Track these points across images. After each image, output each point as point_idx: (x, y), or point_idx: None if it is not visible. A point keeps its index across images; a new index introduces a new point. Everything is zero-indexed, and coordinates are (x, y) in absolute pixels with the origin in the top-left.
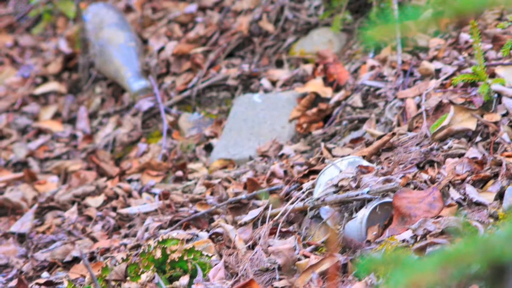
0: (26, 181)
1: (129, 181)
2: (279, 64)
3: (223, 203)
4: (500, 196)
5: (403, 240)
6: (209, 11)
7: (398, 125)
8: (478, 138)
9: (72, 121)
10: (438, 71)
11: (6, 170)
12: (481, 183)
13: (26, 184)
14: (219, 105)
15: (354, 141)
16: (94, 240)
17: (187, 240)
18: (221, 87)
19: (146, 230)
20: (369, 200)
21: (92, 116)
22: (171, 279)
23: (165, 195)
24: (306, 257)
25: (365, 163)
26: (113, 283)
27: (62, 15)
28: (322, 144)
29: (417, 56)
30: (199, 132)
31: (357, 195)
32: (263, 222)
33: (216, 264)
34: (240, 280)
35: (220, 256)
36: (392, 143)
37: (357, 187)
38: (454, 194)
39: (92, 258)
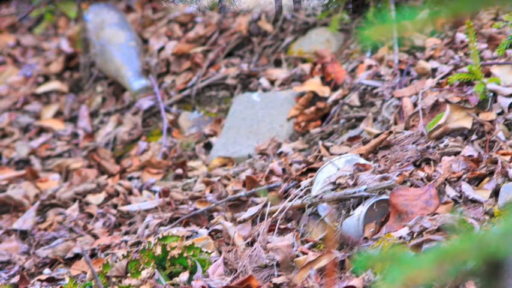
0: (28, 179)
1: (130, 179)
2: (278, 63)
3: (222, 201)
4: (495, 193)
5: (400, 237)
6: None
7: (395, 123)
8: (474, 137)
9: (73, 120)
10: (434, 70)
11: (8, 168)
12: (476, 181)
13: (28, 182)
14: (219, 104)
15: (352, 140)
16: (95, 237)
17: (187, 237)
18: (220, 86)
19: (146, 227)
20: (366, 198)
21: (93, 114)
22: (171, 276)
23: (165, 193)
24: (304, 253)
25: (362, 161)
26: (113, 279)
27: (64, 15)
28: (320, 142)
29: (414, 55)
30: (198, 131)
31: (354, 192)
32: (262, 219)
33: (215, 261)
34: (239, 276)
35: (220, 253)
36: (389, 141)
37: (354, 185)
38: (450, 192)
39: (93, 254)
